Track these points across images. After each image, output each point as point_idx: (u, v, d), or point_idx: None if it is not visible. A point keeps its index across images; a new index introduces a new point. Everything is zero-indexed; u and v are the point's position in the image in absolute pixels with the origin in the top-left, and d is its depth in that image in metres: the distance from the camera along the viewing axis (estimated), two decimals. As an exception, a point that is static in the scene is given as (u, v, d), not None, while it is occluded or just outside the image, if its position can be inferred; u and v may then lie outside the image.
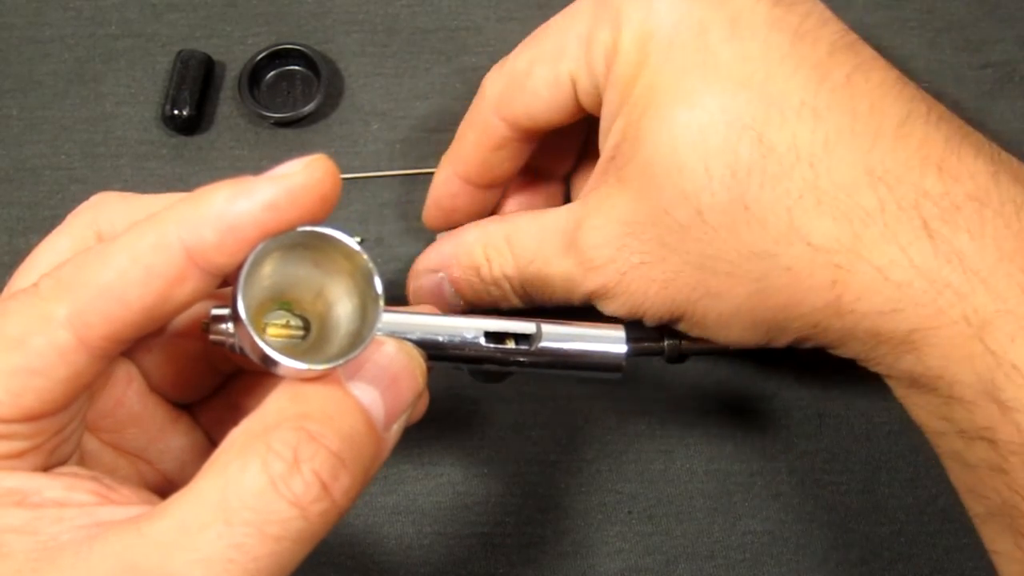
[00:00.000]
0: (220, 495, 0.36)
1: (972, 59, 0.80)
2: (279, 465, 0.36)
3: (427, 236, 0.73)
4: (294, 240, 0.39)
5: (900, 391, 0.50)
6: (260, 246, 0.38)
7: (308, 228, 0.39)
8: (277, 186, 0.38)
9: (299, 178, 0.38)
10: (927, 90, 0.78)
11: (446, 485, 0.66)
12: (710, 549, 0.65)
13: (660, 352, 0.66)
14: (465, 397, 0.68)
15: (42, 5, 0.81)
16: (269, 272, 0.40)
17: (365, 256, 0.40)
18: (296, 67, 0.79)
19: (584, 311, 0.55)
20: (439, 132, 0.77)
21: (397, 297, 0.67)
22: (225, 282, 0.40)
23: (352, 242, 0.40)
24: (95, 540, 0.36)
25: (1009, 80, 0.79)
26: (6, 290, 0.44)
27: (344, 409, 0.38)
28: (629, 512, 0.66)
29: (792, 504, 0.61)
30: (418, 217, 0.73)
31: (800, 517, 0.65)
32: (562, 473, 0.67)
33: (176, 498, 0.36)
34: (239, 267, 0.38)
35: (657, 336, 0.67)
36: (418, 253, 0.72)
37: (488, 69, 0.78)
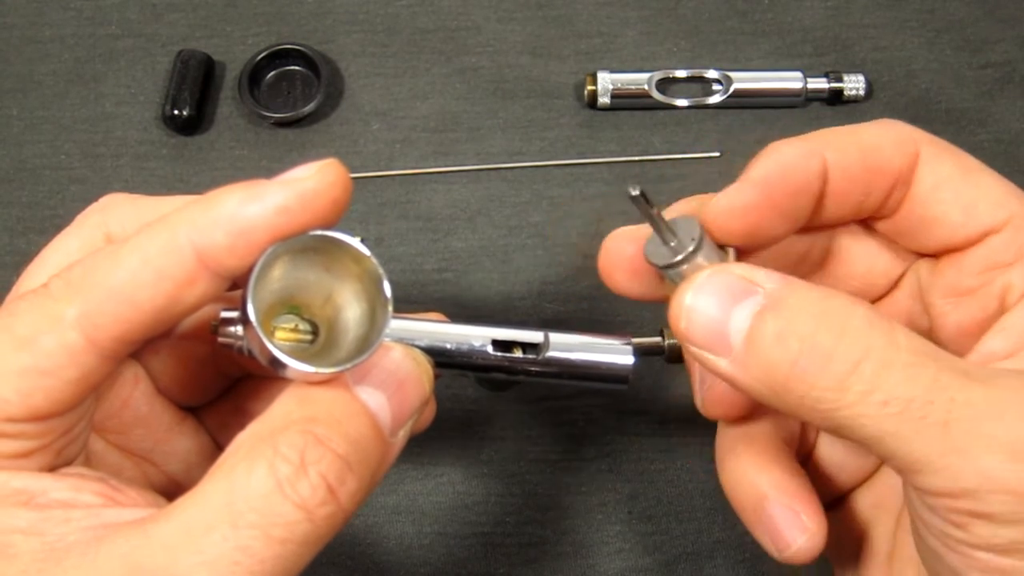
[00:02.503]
0: (226, 497, 0.35)
1: (972, 59, 0.80)
2: (286, 468, 0.36)
3: (426, 236, 0.73)
4: (304, 244, 0.39)
5: None
6: (270, 249, 0.38)
7: (318, 232, 0.39)
8: (289, 190, 0.38)
9: (311, 183, 0.38)
10: (927, 90, 0.79)
11: (446, 485, 0.66)
12: (710, 549, 0.65)
13: (660, 352, 0.66)
14: (465, 397, 0.68)
15: (42, 5, 0.81)
16: (279, 275, 0.40)
17: (375, 261, 0.40)
18: (296, 67, 0.79)
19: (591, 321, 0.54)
20: (439, 132, 0.77)
21: (401, 296, 0.67)
22: (234, 285, 0.40)
23: (362, 247, 0.40)
24: (101, 542, 0.36)
25: (1009, 80, 0.79)
26: (14, 290, 0.43)
27: (351, 413, 0.38)
28: (629, 512, 0.66)
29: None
30: (418, 216, 0.73)
31: (800, 517, 0.65)
32: (562, 473, 0.67)
33: (182, 500, 0.36)
34: (249, 270, 0.38)
35: (657, 336, 0.67)
36: (417, 253, 0.72)
37: (488, 69, 0.79)
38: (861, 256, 0.50)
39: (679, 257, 0.43)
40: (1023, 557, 0.38)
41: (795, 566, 0.49)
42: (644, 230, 0.45)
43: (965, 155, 0.45)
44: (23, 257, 0.69)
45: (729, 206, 0.44)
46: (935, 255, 0.47)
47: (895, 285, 0.50)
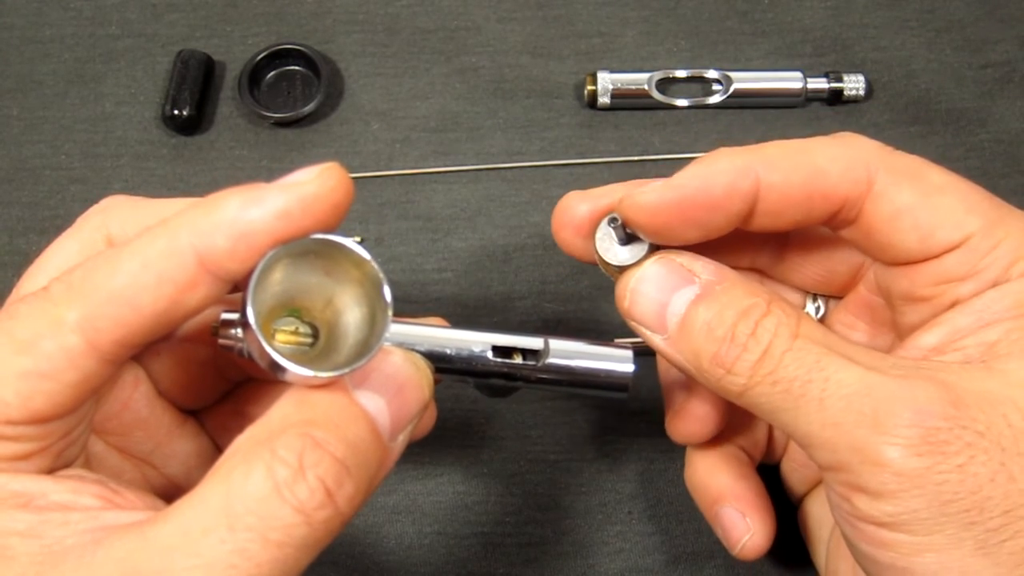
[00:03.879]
0: (224, 500, 0.35)
1: (972, 59, 0.80)
2: (284, 471, 0.36)
3: (426, 236, 0.73)
4: (305, 247, 0.39)
5: None
6: (270, 253, 0.38)
7: (319, 236, 0.39)
8: (289, 194, 0.38)
9: (311, 187, 0.38)
10: (927, 90, 0.78)
11: (446, 485, 0.66)
12: (710, 549, 0.65)
13: (660, 352, 0.66)
14: (465, 397, 0.68)
15: (42, 5, 0.81)
16: (279, 279, 0.40)
17: (375, 265, 0.40)
18: (296, 67, 0.79)
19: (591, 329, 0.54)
20: (439, 132, 0.77)
21: (401, 296, 0.67)
22: (236, 288, 0.40)
23: (363, 251, 0.40)
24: (99, 544, 0.36)
25: (1009, 80, 0.79)
26: (15, 292, 0.44)
27: (350, 417, 0.38)
28: (629, 512, 0.66)
29: (790, 504, 0.61)
30: (418, 216, 0.73)
31: (799, 517, 0.65)
32: (562, 473, 0.67)
33: (180, 503, 0.36)
34: (249, 273, 0.38)
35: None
36: (417, 253, 0.72)
37: (488, 69, 0.79)
38: (817, 246, 0.53)
39: (632, 262, 0.49)
40: (901, 529, 0.41)
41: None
42: (595, 192, 0.51)
43: (928, 173, 0.46)
44: (23, 257, 0.69)
45: (642, 202, 0.46)
46: (891, 264, 0.48)
47: (859, 274, 0.52)
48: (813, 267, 0.53)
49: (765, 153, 0.46)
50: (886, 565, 0.42)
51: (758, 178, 0.45)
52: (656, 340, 0.47)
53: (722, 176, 0.45)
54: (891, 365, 0.43)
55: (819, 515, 0.57)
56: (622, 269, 0.49)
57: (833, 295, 0.55)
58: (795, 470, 0.59)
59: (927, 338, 0.46)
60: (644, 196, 0.46)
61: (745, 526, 0.55)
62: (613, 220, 0.47)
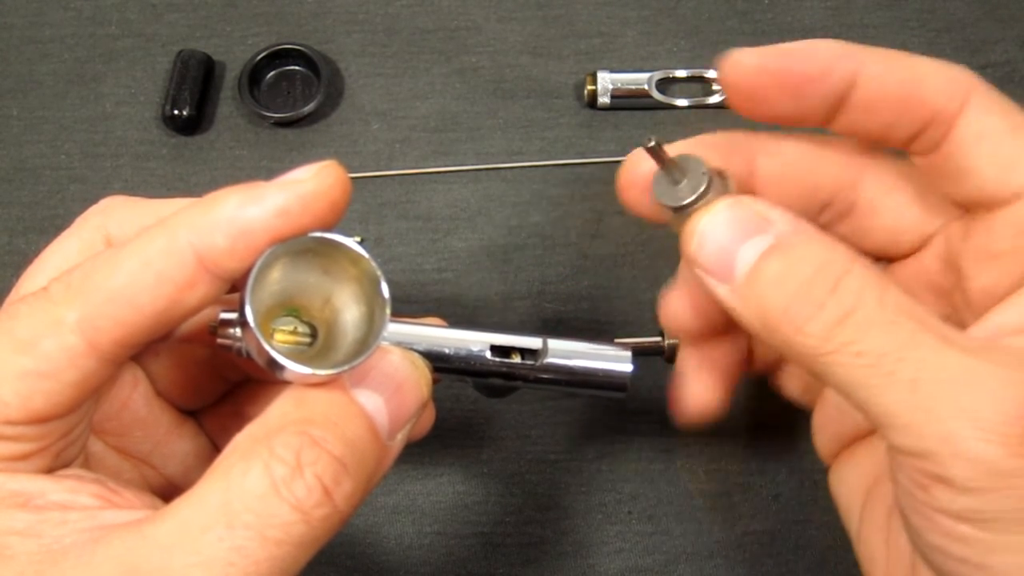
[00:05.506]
0: (222, 498, 0.36)
1: (972, 59, 0.80)
2: (281, 469, 0.36)
3: (426, 236, 0.73)
4: (303, 246, 0.39)
5: None
6: (268, 251, 0.38)
7: (317, 234, 0.39)
8: (288, 192, 0.38)
9: (310, 185, 0.38)
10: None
11: (446, 485, 0.66)
12: (710, 549, 0.65)
13: (660, 352, 0.67)
14: (465, 397, 0.68)
15: (42, 5, 0.81)
16: (278, 277, 0.40)
17: (373, 263, 0.40)
18: (296, 67, 0.79)
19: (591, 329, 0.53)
20: (439, 132, 0.77)
21: (401, 296, 0.67)
22: (234, 287, 0.40)
23: (361, 249, 0.40)
24: (98, 543, 0.36)
25: (1009, 80, 0.79)
26: (14, 291, 0.44)
27: (348, 415, 0.38)
28: (629, 512, 0.66)
29: (791, 504, 0.61)
30: (418, 216, 0.73)
31: (799, 517, 0.65)
32: (562, 473, 0.67)
33: (179, 501, 0.36)
34: (247, 272, 0.38)
35: (657, 336, 0.67)
36: (417, 253, 0.72)
37: (488, 69, 0.79)
38: (889, 210, 0.49)
39: (691, 199, 0.43)
40: (983, 527, 0.38)
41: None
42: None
43: (1020, 113, 0.44)
44: (23, 257, 0.69)
45: (742, 60, 0.43)
46: (966, 208, 0.45)
47: (924, 244, 0.49)
48: (878, 231, 0.50)
49: (872, 50, 0.43)
50: (958, 559, 0.40)
51: (861, 65, 0.43)
52: (721, 291, 0.42)
53: (828, 49, 0.43)
54: (990, 351, 0.40)
55: (853, 482, 0.52)
56: (684, 210, 0.44)
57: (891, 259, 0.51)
58: (826, 425, 0.54)
59: (1006, 315, 0.43)
60: (744, 55, 0.43)
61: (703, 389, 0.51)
62: (653, 147, 0.43)
